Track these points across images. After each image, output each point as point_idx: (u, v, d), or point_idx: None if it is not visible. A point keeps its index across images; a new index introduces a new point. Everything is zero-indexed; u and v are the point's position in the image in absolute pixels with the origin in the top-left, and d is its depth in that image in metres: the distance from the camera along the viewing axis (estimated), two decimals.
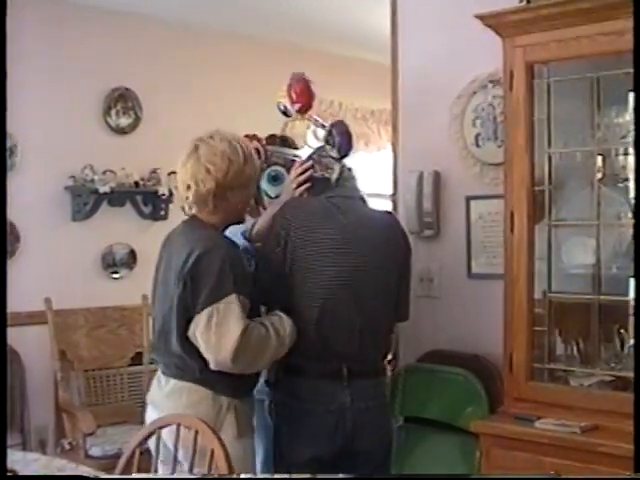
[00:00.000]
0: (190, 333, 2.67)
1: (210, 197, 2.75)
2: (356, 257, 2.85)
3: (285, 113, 3.32)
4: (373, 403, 2.89)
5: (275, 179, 3.20)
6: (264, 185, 3.21)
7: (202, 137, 2.86)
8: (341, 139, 3.03)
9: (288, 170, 3.21)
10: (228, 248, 2.74)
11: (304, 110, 3.21)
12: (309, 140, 3.24)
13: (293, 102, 3.17)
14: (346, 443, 2.83)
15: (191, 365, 2.71)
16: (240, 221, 2.90)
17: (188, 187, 2.76)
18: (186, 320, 2.67)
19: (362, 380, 2.86)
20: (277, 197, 3.17)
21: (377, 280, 2.89)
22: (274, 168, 3.22)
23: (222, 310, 2.62)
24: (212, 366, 2.66)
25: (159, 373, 2.86)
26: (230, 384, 2.71)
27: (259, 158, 3.17)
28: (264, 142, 3.26)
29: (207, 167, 2.74)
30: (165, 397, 2.77)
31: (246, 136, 3.26)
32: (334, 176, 2.99)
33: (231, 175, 2.75)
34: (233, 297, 2.63)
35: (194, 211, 2.81)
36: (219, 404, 2.71)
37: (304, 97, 3.16)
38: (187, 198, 2.79)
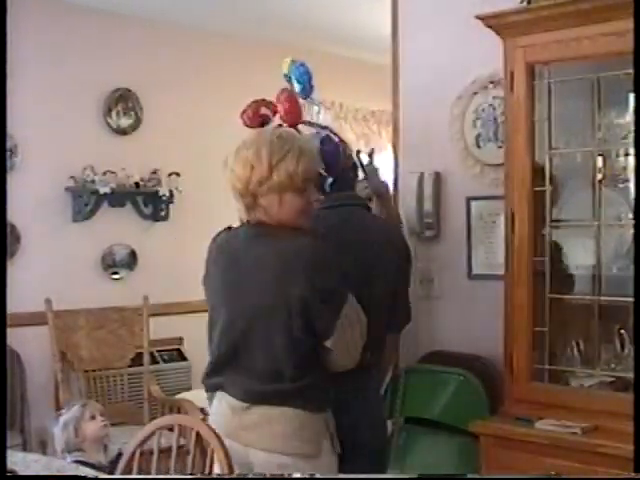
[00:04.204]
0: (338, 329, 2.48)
1: (241, 206, 2.56)
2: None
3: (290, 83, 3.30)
4: (366, 394, 2.85)
5: None
6: None
7: (241, 144, 2.62)
8: (330, 163, 2.97)
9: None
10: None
11: (294, 126, 3.19)
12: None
13: (282, 119, 3.15)
14: (346, 435, 2.80)
15: (290, 380, 2.47)
16: (296, 226, 2.58)
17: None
18: (308, 322, 2.46)
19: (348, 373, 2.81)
20: None
21: (375, 286, 2.87)
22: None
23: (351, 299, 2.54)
24: (347, 364, 2.55)
25: (228, 400, 2.56)
26: (324, 397, 2.55)
27: (268, 121, 3.14)
28: (275, 106, 3.22)
29: (229, 176, 2.57)
30: (253, 427, 2.50)
31: (255, 101, 3.23)
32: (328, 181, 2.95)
33: (254, 184, 2.51)
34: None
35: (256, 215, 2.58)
36: (319, 424, 2.52)
37: (291, 116, 3.14)
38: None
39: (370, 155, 3.36)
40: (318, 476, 2.40)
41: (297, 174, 2.52)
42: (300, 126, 3.16)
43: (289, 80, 3.22)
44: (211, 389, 2.65)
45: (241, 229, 2.62)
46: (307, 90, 3.18)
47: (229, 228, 2.70)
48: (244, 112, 3.21)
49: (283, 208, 2.53)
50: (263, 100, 3.21)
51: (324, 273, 2.49)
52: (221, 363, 2.60)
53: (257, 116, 3.18)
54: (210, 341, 2.67)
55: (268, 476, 2.42)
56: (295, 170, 2.52)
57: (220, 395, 2.60)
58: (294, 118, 3.10)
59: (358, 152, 3.28)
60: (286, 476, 2.40)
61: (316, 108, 3.24)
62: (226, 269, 2.61)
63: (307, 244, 2.52)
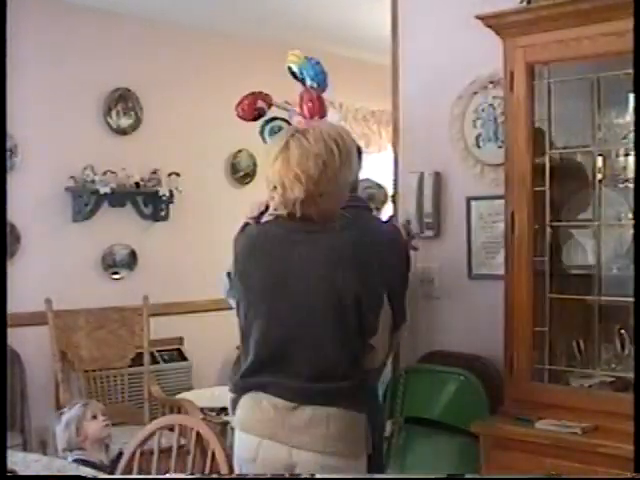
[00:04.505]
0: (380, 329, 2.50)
1: (297, 204, 2.44)
2: None
3: (296, 76, 3.27)
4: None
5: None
6: (268, 140, 3.15)
7: (296, 131, 2.49)
8: None
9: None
10: None
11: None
12: None
13: (305, 117, 3.13)
14: None
15: (341, 379, 2.43)
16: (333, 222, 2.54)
17: (274, 188, 2.46)
18: (360, 320, 2.45)
19: None
20: None
21: None
22: (276, 123, 3.16)
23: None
24: (383, 361, 2.58)
25: (271, 401, 2.45)
26: (366, 396, 2.53)
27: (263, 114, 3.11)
28: (270, 99, 3.21)
29: (296, 172, 2.40)
30: (301, 428, 2.41)
31: (252, 94, 3.22)
32: None
33: (324, 182, 2.42)
34: None
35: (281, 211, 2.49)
36: (362, 424, 2.47)
37: (317, 115, 3.13)
38: (272, 198, 2.49)
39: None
40: (319, 476, 2.39)
41: (356, 172, 2.51)
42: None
43: (300, 76, 3.20)
44: (246, 390, 2.52)
45: (278, 223, 2.52)
46: (322, 89, 3.17)
47: (257, 221, 2.61)
48: (240, 104, 3.20)
49: (337, 205, 2.49)
50: (260, 93, 3.20)
51: (373, 269, 2.48)
52: (263, 363, 2.48)
53: (253, 109, 3.18)
54: (245, 340, 2.53)
55: (269, 476, 2.42)
56: (356, 168, 2.50)
57: (257, 395, 2.49)
58: (320, 117, 3.09)
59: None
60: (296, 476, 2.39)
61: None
62: (269, 265, 2.50)
63: (358, 241, 2.50)
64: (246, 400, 2.51)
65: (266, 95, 3.21)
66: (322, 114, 3.12)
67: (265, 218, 2.62)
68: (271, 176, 2.46)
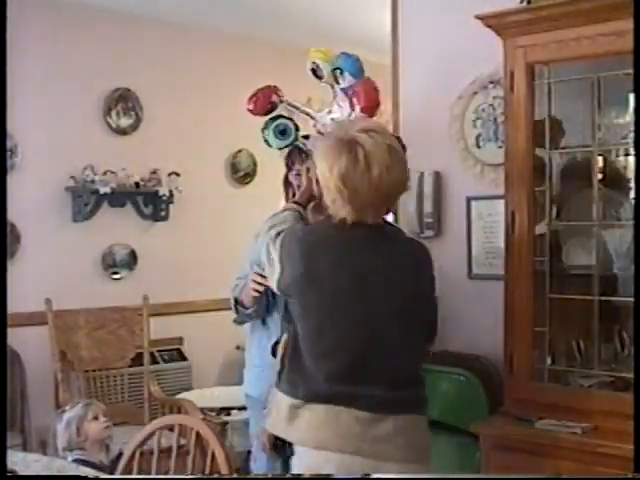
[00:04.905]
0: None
1: (383, 212, 2.47)
2: None
3: (316, 73, 3.23)
4: None
5: (282, 133, 3.12)
6: (270, 139, 3.14)
7: (375, 132, 2.35)
8: None
9: (296, 125, 3.15)
10: None
11: (369, 115, 3.12)
12: None
13: (353, 106, 3.09)
14: None
15: (419, 385, 2.44)
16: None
17: (355, 194, 2.32)
18: (429, 325, 2.53)
19: None
20: (280, 149, 3.12)
21: None
22: (281, 121, 3.14)
23: None
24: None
25: (352, 413, 2.30)
26: (427, 399, 2.52)
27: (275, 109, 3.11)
28: (282, 95, 3.19)
29: (393, 182, 2.35)
30: (387, 439, 2.31)
31: (267, 87, 3.19)
32: None
33: (406, 183, 2.48)
34: None
35: (348, 216, 2.35)
36: (427, 428, 2.47)
37: (371, 110, 3.09)
38: (344, 204, 2.33)
39: None
40: (320, 476, 2.37)
41: None
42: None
43: (333, 74, 3.17)
44: (317, 399, 2.33)
45: (343, 227, 2.37)
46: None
47: (306, 224, 2.57)
48: (253, 97, 3.16)
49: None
50: (274, 87, 3.18)
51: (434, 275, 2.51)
52: (339, 371, 2.33)
53: (267, 102, 3.15)
54: (312, 345, 2.37)
55: (270, 476, 2.42)
56: None
57: (332, 409, 2.31)
58: (373, 111, 3.09)
59: None
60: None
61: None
62: (344, 269, 2.35)
63: (423, 246, 2.54)
64: (317, 413, 2.33)
65: (279, 90, 3.19)
66: (377, 108, 3.11)
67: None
68: (358, 184, 2.30)
